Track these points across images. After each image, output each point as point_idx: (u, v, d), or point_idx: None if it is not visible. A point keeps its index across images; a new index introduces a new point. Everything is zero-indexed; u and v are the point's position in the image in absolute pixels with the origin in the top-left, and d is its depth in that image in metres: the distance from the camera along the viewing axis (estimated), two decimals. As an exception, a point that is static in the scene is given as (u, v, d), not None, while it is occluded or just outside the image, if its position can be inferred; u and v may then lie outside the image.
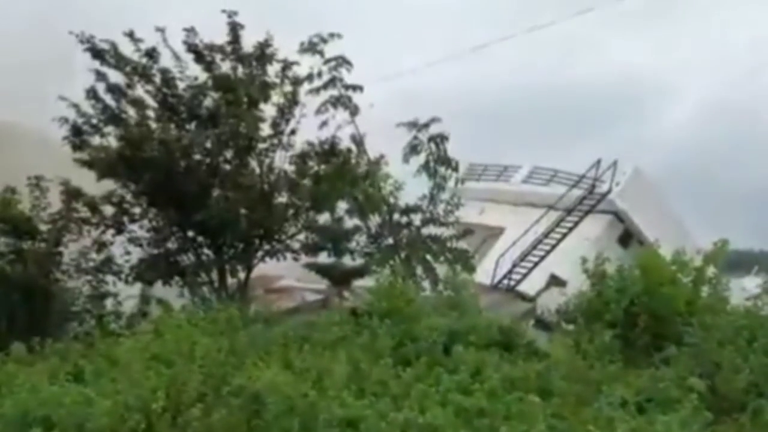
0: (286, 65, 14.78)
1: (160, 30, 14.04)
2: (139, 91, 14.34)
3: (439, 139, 15.43)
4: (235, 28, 14.52)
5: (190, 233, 14.67)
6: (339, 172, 14.93)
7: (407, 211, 15.77)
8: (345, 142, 15.17)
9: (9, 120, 18.14)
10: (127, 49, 14.11)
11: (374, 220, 15.74)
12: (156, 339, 8.31)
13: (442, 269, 14.67)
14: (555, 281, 16.87)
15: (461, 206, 15.89)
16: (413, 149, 15.46)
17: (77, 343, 10.47)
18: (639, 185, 18.77)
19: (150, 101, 14.42)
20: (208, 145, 14.23)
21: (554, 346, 9.63)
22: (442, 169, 15.58)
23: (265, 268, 16.13)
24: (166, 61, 14.32)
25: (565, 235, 17.65)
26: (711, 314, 9.81)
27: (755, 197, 37.64)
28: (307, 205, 15.04)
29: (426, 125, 15.42)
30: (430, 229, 15.71)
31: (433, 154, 15.47)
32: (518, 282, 17.56)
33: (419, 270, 15.04)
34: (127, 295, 14.24)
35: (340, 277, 17.32)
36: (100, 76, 14.02)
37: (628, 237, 18.88)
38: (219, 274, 14.72)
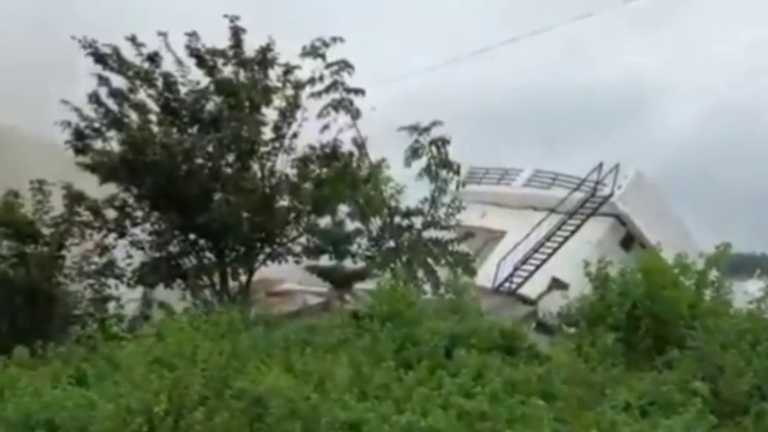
0: (288, 69, 14.81)
1: (162, 34, 14.06)
2: (142, 95, 14.34)
3: (441, 143, 15.46)
4: (237, 33, 14.53)
5: (192, 236, 14.66)
6: (340, 176, 14.96)
7: (408, 214, 15.80)
8: (346, 146, 15.23)
9: (10, 123, 18.11)
10: (129, 53, 14.15)
11: (375, 223, 15.77)
12: (158, 342, 8.29)
13: (443, 272, 14.68)
14: (557, 284, 16.85)
15: (462, 209, 15.91)
16: (415, 152, 15.49)
17: (80, 346, 10.44)
18: (641, 188, 18.80)
19: (152, 105, 14.43)
20: (210, 148, 14.23)
21: (556, 350, 9.61)
22: (443, 173, 15.61)
23: (267, 271, 16.12)
24: (168, 65, 14.36)
25: (567, 239, 17.65)
26: (714, 317, 9.79)
27: (758, 200, 37.58)
28: (309, 208, 15.04)
29: (427, 128, 15.46)
30: (432, 233, 15.73)
31: (435, 157, 15.50)
32: (520, 285, 17.56)
33: (420, 273, 15.06)
34: (129, 298, 14.21)
35: (341, 281, 17.31)
36: (103, 80, 14.04)
37: (630, 240, 18.90)
38: (221, 278, 14.73)
